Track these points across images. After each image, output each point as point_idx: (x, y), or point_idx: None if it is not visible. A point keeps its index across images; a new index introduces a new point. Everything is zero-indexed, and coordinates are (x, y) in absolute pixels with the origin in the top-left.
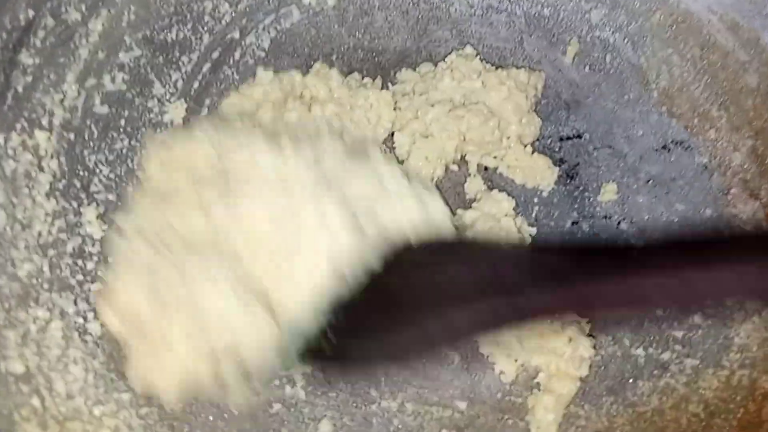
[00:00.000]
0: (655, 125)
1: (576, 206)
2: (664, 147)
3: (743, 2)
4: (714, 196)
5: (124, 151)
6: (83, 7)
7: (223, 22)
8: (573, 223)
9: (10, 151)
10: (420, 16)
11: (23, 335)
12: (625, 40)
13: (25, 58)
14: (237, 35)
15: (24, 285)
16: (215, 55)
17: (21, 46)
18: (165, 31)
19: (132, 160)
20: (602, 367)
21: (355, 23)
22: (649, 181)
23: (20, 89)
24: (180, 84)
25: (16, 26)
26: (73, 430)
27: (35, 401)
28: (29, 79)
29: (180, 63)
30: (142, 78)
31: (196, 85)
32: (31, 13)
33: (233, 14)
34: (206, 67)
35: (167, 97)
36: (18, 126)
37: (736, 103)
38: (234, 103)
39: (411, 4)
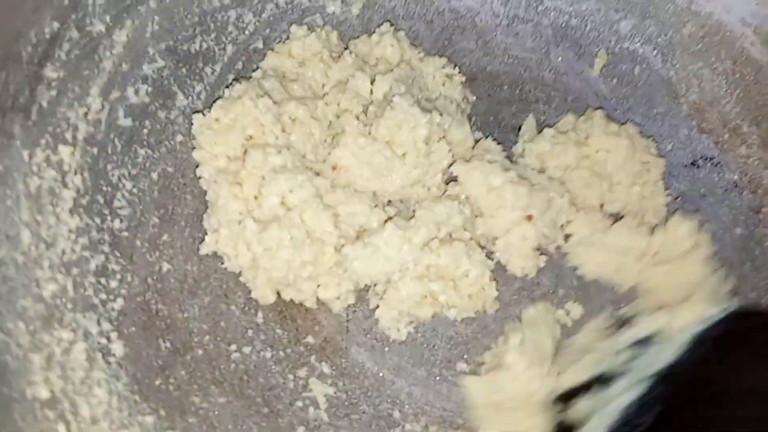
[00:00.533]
0: (685, 140)
1: None
2: (693, 163)
3: None
4: (745, 215)
5: (147, 164)
6: (108, 18)
7: (247, 31)
8: None
9: (34, 168)
10: (444, 26)
11: (48, 358)
12: (655, 52)
13: (50, 71)
14: (261, 45)
15: (48, 306)
16: (239, 65)
17: (46, 60)
18: (189, 41)
19: (154, 173)
20: None
21: None
22: (678, 197)
23: (45, 104)
24: (203, 95)
25: (41, 39)
26: None
27: (61, 427)
28: (53, 93)
29: (203, 74)
30: (166, 90)
31: (219, 96)
32: (56, 25)
33: (257, 23)
34: (230, 78)
35: (190, 109)
36: (42, 141)
37: None
38: (273, 64)
39: (435, 13)
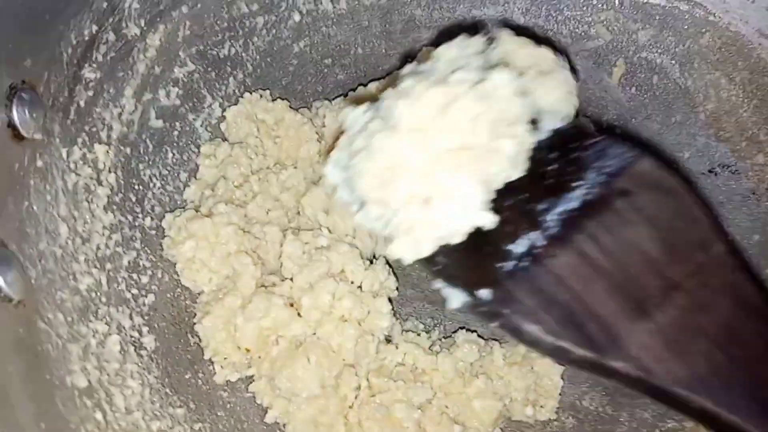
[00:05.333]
0: (702, 148)
1: None
2: (710, 171)
3: None
4: (762, 222)
5: (176, 165)
6: (142, 22)
7: (273, 37)
8: None
9: (72, 165)
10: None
11: (84, 349)
12: (673, 62)
13: (88, 72)
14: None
15: (84, 298)
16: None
17: (84, 62)
18: (218, 46)
19: (184, 174)
20: None
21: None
22: None
23: (82, 104)
24: (233, 98)
25: (80, 42)
26: None
27: (98, 415)
28: (90, 93)
29: (231, 78)
30: (195, 93)
31: None
32: (95, 28)
33: (285, 30)
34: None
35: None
36: (79, 140)
37: None
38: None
39: (455, 22)
